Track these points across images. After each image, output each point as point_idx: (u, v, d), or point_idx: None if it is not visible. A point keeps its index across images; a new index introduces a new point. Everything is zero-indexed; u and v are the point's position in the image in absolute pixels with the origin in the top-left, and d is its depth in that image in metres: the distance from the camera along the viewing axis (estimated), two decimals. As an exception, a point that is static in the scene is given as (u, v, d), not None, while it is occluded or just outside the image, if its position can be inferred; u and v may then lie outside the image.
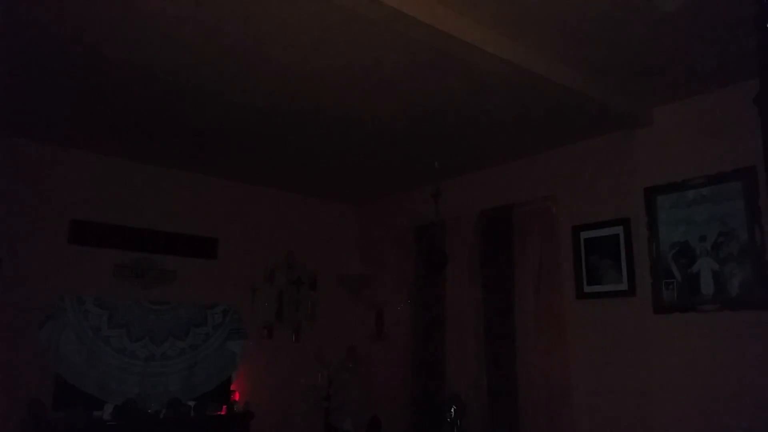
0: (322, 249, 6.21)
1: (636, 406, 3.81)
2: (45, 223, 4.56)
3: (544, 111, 3.91)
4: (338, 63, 3.31)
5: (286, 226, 5.99)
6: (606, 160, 4.25)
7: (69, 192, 4.70)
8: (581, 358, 4.17)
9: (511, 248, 4.71)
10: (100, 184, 4.87)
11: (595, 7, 2.79)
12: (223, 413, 5.01)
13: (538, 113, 3.95)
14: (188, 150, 4.85)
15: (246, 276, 5.57)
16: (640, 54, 3.23)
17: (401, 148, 4.72)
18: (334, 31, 2.97)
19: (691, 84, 3.61)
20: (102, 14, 2.85)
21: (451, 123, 4.16)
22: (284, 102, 3.87)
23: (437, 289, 5.30)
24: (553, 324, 4.33)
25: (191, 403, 4.81)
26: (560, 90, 3.47)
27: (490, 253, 4.88)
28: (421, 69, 3.35)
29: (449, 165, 5.00)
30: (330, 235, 6.33)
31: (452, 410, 4.54)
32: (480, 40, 2.97)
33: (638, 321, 3.89)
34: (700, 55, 3.22)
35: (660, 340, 3.75)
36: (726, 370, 3.39)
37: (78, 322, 4.53)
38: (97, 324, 4.62)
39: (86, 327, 4.56)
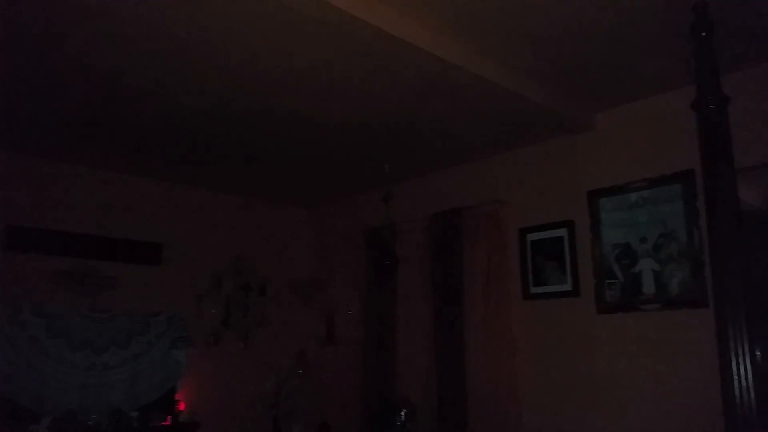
0: (272, 254, 6.13)
1: (581, 404, 3.90)
2: (-23, 228, 4.36)
3: (492, 115, 3.97)
4: (287, 64, 3.28)
5: (234, 231, 5.88)
6: (551, 164, 4.35)
7: (5, 197, 4.48)
8: (528, 358, 4.25)
9: (461, 251, 4.76)
10: (38, 188, 4.68)
11: (541, 14, 2.85)
12: (167, 424, 4.88)
13: (486, 118, 4.01)
14: (130, 153, 4.72)
15: (192, 282, 5.44)
16: (584, 60, 3.33)
17: (352, 151, 4.71)
18: (283, 32, 2.94)
19: (632, 90, 3.73)
20: (34, 8, 2.74)
21: (402, 126, 4.18)
22: (231, 103, 3.81)
23: (388, 292, 5.30)
24: (500, 325, 4.39)
25: (134, 414, 4.66)
26: (507, 95, 3.54)
27: (440, 256, 4.92)
28: (371, 72, 3.35)
29: (400, 169, 5.02)
30: (280, 240, 6.25)
31: (402, 413, 4.54)
32: (428, 44, 3.00)
33: (582, 321, 3.98)
34: (641, 61, 3.33)
35: (604, 339, 3.85)
36: (667, 366, 3.50)
37: (13, 333, 4.33)
38: (35, 334, 4.42)
39: (23, 337, 4.36)
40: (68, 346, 4.57)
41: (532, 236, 4.38)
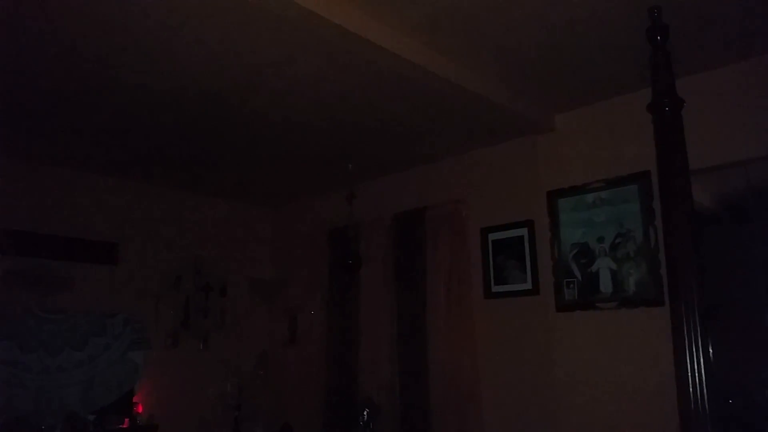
0: (233, 254, 6.05)
1: (542, 400, 3.95)
2: None
3: (454, 116, 3.99)
4: (246, 60, 3.23)
5: (194, 230, 5.78)
6: (512, 164, 4.40)
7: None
8: (489, 356, 4.29)
9: (424, 250, 4.78)
10: (-14, 185, 4.53)
11: (502, 17, 2.88)
12: (125, 426, 4.79)
13: (448, 118, 4.03)
14: (85, 149, 4.60)
15: (149, 283, 5.34)
16: (544, 62, 3.37)
17: (315, 150, 4.68)
18: (243, 28, 2.89)
19: (591, 92, 3.80)
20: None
21: (365, 126, 4.17)
22: (191, 100, 3.74)
23: (351, 292, 5.30)
24: (462, 323, 4.42)
25: (90, 417, 4.56)
26: (468, 96, 3.56)
27: (403, 256, 4.93)
28: (334, 70, 3.33)
29: (363, 169, 5.01)
30: (241, 240, 6.17)
31: (365, 413, 4.54)
32: (391, 43, 3.00)
33: (542, 319, 4.04)
34: (600, 64, 3.39)
35: (562, 336, 3.91)
36: (624, 363, 3.58)
37: (-40, 335, 4.18)
38: (-17, 336, 4.28)
39: (-30, 340, 4.22)
40: (20, 347, 4.44)
41: (493, 236, 4.42)
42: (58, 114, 3.94)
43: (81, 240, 4.98)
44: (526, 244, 4.22)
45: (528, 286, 4.17)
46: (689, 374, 2.22)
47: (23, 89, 3.56)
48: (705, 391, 2.20)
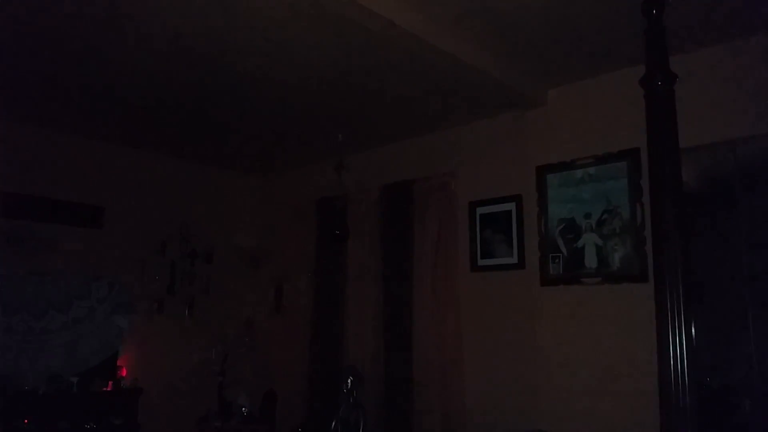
0: (220, 221, 6.02)
1: (523, 372, 4.00)
2: None
3: (446, 87, 3.95)
4: (237, 23, 3.17)
5: (181, 196, 5.74)
6: (502, 138, 4.38)
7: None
8: (473, 328, 4.32)
9: (411, 222, 4.78)
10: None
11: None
12: (108, 389, 4.80)
13: (439, 90, 3.99)
14: (73, 112, 4.52)
15: (135, 247, 5.30)
16: (538, 36, 3.34)
17: (304, 118, 4.63)
18: (235, -10, 2.84)
19: (583, 67, 3.76)
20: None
21: (356, 95, 4.13)
22: (179, 64, 3.68)
23: (338, 262, 5.30)
24: (447, 296, 4.45)
25: (74, 379, 4.56)
26: (461, 67, 3.52)
27: (390, 227, 4.93)
28: (324, 35, 3.28)
29: (353, 140, 4.97)
30: (228, 207, 6.14)
31: (349, 381, 4.57)
32: (383, 9, 2.94)
33: (526, 293, 4.06)
34: (594, 38, 3.36)
35: (546, 310, 3.94)
36: (606, 337, 3.62)
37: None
38: (-34, 296, 4.26)
39: (-47, 300, 4.20)
40: (3, 309, 4.42)
41: (481, 209, 4.42)
42: (47, 75, 3.86)
43: (67, 203, 4.93)
44: (514, 219, 4.23)
45: (514, 260, 4.19)
46: (671, 350, 2.24)
47: (8, 49, 3.47)
48: (685, 367, 2.23)
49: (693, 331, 2.34)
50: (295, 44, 3.39)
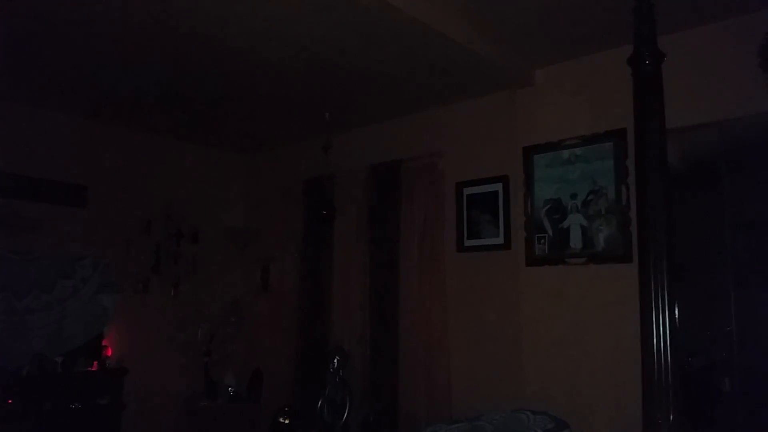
0: (206, 200, 5.98)
1: (508, 351, 4.03)
2: None
3: (434, 65, 3.91)
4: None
5: (166, 175, 5.68)
6: (489, 119, 4.37)
7: None
8: (459, 308, 4.34)
9: (398, 202, 4.77)
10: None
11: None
12: (93, 369, 4.79)
13: (427, 68, 3.95)
14: (56, 89, 4.44)
15: (119, 227, 5.25)
16: (526, 14, 3.31)
17: (291, 95, 4.57)
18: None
19: (572, 47, 3.75)
20: None
21: (342, 73, 4.08)
22: (164, 41, 3.61)
23: (325, 242, 5.29)
24: (434, 276, 4.46)
25: (58, 359, 4.54)
26: (450, 44, 3.49)
27: (377, 207, 4.92)
28: (310, 10, 3.22)
29: (340, 119, 4.92)
30: (214, 186, 6.09)
31: (335, 360, 4.59)
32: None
33: (511, 273, 4.08)
34: (583, 17, 3.33)
35: (531, 290, 3.97)
36: (590, 318, 3.65)
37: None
38: (-53, 276, 4.20)
39: (-66, 279, 4.14)
40: (-15, 289, 4.37)
41: (468, 190, 4.42)
42: (28, 52, 3.78)
43: (50, 181, 4.86)
44: (500, 199, 4.23)
45: (500, 240, 4.20)
46: (654, 330, 2.27)
47: (-15, 20, 3.40)
48: (668, 347, 2.25)
49: (676, 310, 2.36)
50: (282, 21, 3.33)
